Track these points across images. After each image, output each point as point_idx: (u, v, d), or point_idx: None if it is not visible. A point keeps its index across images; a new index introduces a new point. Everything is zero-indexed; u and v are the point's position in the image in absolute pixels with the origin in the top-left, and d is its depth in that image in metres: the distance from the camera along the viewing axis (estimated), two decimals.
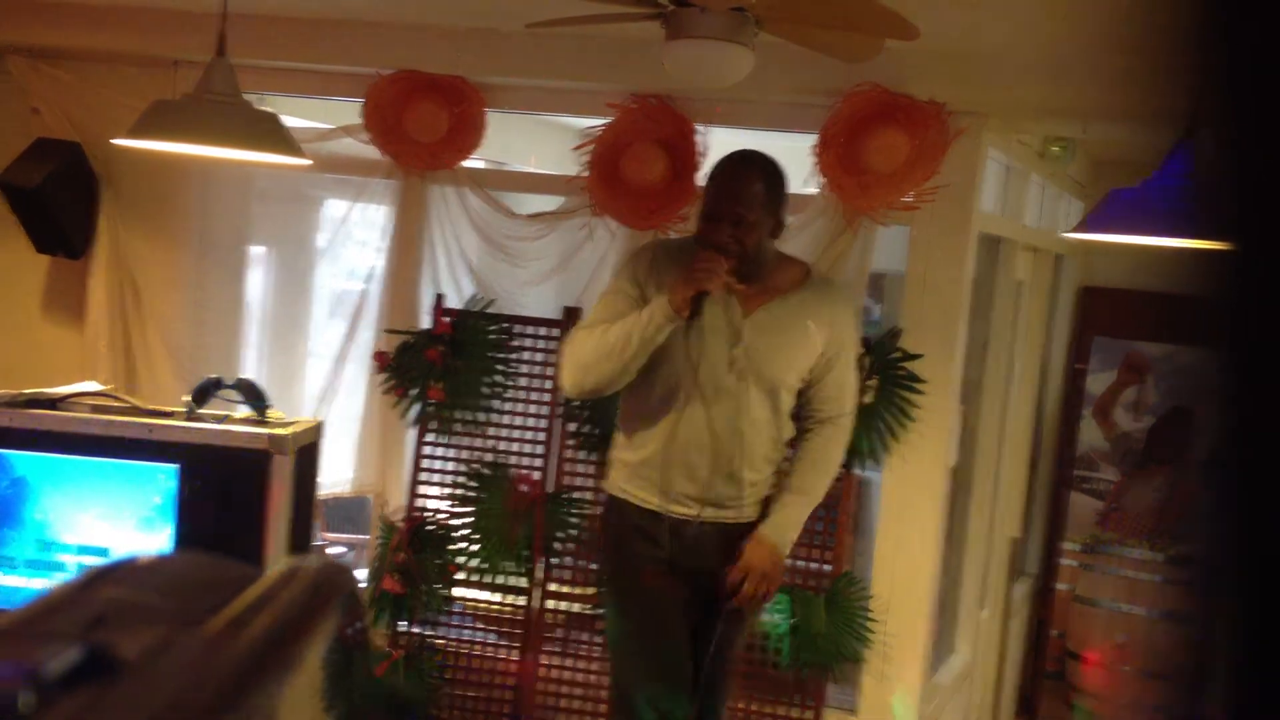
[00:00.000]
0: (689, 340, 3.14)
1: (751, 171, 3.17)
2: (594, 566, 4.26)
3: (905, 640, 4.15)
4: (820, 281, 3.34)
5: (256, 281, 5.16)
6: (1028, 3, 3.38)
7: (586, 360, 3.17)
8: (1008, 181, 4.76)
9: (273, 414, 3.86)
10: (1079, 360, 6.00)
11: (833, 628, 4.09)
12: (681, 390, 3.19)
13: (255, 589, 0.85)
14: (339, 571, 0.98)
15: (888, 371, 4.08)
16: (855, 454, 4.10)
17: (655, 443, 3.24)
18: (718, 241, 3.10)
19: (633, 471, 3.30)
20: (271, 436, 3.63)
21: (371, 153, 4.54)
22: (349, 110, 4.60)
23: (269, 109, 3.73)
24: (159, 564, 0.94)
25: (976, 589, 5.07)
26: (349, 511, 5.42)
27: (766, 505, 3.32)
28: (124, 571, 0.87)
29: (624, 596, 3.36)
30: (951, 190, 4.01)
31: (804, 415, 3.36)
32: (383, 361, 4.50)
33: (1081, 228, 2.91)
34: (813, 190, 4.15)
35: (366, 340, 4.66)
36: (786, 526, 3.29)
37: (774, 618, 4.13)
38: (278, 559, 3.63)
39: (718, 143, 4.39)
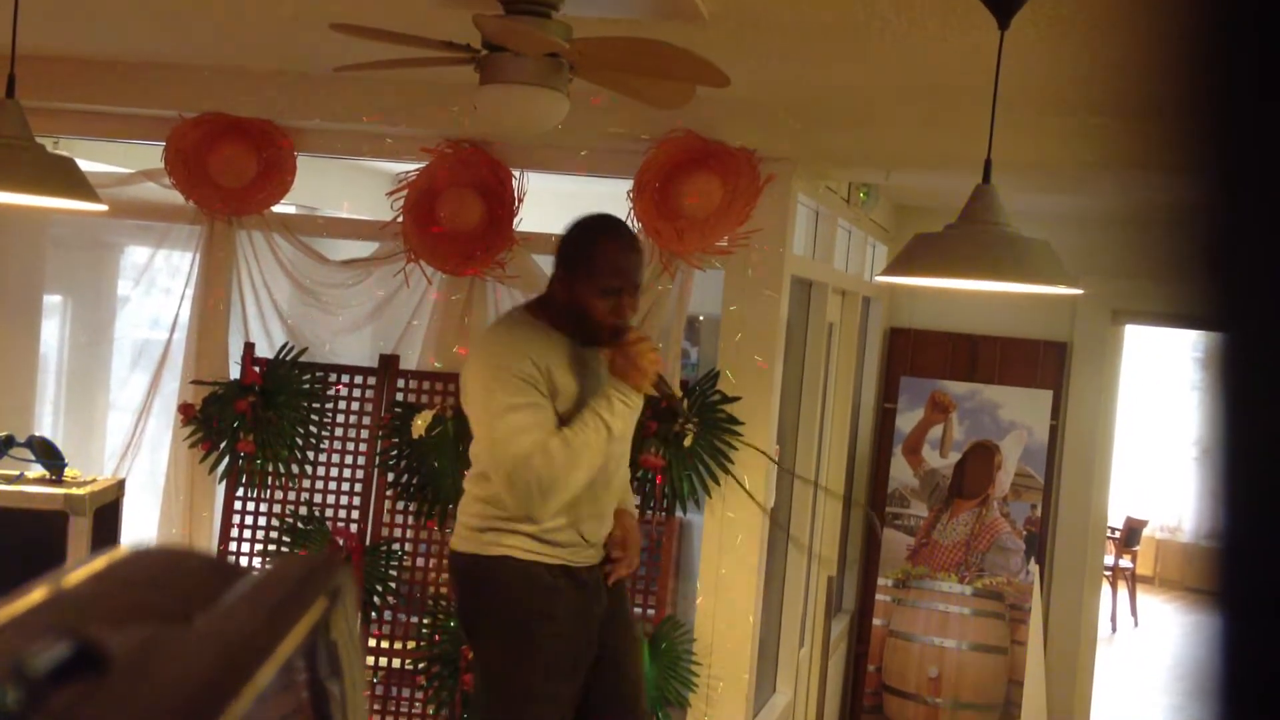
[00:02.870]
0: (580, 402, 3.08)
1: (634, 245, 3.13)
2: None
3: (729, 682, 4.18)
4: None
5: (52, 332, 4.93)
6: (834, 55, 3.48)
7: (564, 482, 2.96)
8: (817, 226, 4.88)
9: (70, 473, 3.68)
10: (888, 399, 6.18)
11: (657, 672, 4.08)
12: None
13: (242, 585, 0.86)
14: (327, 566, 0.97)
15: (706, 414, 4.12)
16: (677, 497, 4.12)
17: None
18: (625, 316, 3.04)
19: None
20: (67, 497, 3.46)
21: (175, 198, 4.40)
22: (151, 154, 4.44)
23: (64, 153, 3.57)
24: (147, 560, 0.93)
25: (796, 627, 5.14)
26: None
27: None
28: (112, 567, 0.87)
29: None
30: (764, 235, 4.09)
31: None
32: (188, 414, 4.34)
33: (891, 271, 2.99)
34: None
35: (171, 392, 4.49)
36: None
37: None
38: None
39: (535, 188, 4.39)
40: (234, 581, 0.86)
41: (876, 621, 6.03)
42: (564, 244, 3.14)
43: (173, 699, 0.67)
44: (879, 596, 6.04)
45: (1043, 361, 6.05)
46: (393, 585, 4.31)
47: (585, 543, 3.17)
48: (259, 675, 0.74)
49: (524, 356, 3.00)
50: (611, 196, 4.28)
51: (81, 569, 0.84)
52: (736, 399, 4.12)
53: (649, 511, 4.16)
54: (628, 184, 4.14)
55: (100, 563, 0.86)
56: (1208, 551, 0.50)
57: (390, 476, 4.33)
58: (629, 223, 4.12)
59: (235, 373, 4.39)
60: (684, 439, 4.09)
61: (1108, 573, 9.05)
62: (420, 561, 4.37)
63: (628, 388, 3.03)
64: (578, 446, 2.95)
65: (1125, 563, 10.28)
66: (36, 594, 0.78)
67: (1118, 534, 9.87)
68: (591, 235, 3.11)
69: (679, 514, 4.26)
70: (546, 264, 3.48)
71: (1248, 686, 0.47)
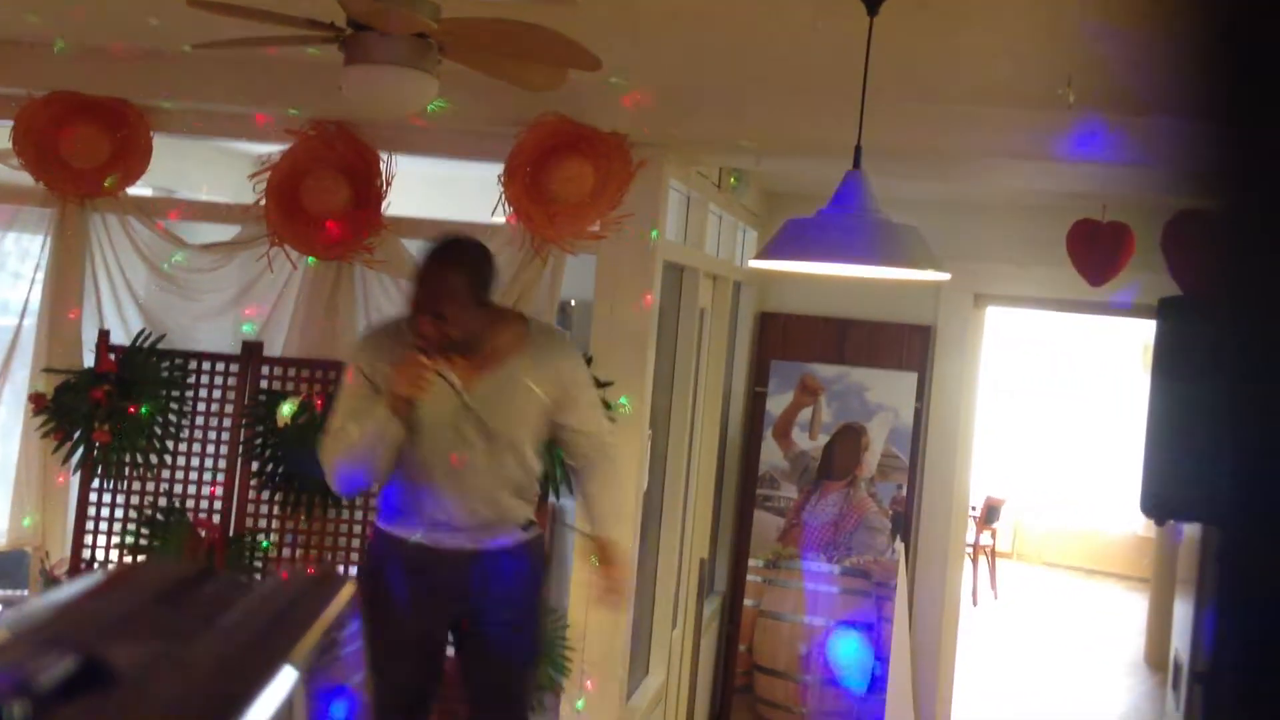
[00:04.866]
0: (425, 422, 3.30)
1: (449, 267, 3.26)
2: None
3: (602, 665, 4.18)
4: (538, 336, 3.43)
5: None
6: (705, 41, 3.48)
7: (338, 466, 3.31)
8: (688, 211, 4.89)
9: None
10: (758, 383, 6.24)
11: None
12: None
13: (247, 599, 0.86)
14: (330, 580, 0.96)
15: None
16: (549, 481, 4.10)
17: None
18: (424, 333, 3.24)
19: None
20: None
21: (24, 179, 4.22)
22: None
23: None
24: (151, 575, 0.93)
25: (669, 610, 5.16)
26: (5, 566, 4.99)
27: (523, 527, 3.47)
28: (117, 583, 0.87)
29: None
30: (636, 220, 4.08)
31: (568, 456, 3.59)
32: (39, 403, 4.18)
33: (763, 256, 3.01)
34: (500, 220, 4.14)
35: (22, 380, 4.32)
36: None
37: None
38: None
39: (403, 171, 4.32)
40: (237, 596, 0.86)
41: (748, 602, 6.10)
42: None
43: (177, 714, 0.68)
44: (750, 577, 6.11)
45: (908, 344, 6.17)
46: (258, 576, 4.20)
47: (435, 523, 3.36)
48: (262, 689, 0.74)
49: (360, 351, 3.43)
50: (483, 181, 4.23)
51: (88, 584, 0.85)
52: (609, 384, 4.11)
53: None
54: (499, 168, 4.09)
55: (106, 578, 0.86)
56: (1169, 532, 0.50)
57: (255, 466, 4.22)
58: (501, 205, 4.08)
59: (90, 360, 4.23)
60: None
61: (969, 549, 9.30)
62: (287, 552, 4.28)
63: (386, 409, 3.23)
64: (342, 446, 3.28)
65: (986, 539, 10.58)
66: (44, 609, 0.78)
67: (978, 512, 10.16)
68: (423, 254, 3.34)
69: (551, 499, 4.24)
70: (416, 249, 3.44)
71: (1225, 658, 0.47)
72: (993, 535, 10.74)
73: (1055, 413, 11.81)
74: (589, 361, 4.14)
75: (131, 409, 4.16)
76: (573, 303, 5.12)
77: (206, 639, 0.77)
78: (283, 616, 0.85)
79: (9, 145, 4.20)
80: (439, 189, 5.00)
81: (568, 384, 3.42)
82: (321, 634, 0.89)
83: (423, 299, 3.25)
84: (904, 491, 6.04)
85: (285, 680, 0.77)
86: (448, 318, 3.22)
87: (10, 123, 4.18)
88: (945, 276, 2.96)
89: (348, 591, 1.01)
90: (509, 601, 3.43)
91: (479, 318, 3.30)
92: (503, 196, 4.08)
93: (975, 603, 10.01)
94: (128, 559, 4.18)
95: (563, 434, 3.49)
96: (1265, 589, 0.47)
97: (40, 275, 4.30)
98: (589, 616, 4.17)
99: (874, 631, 5.95)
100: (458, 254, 3.31)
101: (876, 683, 5.90)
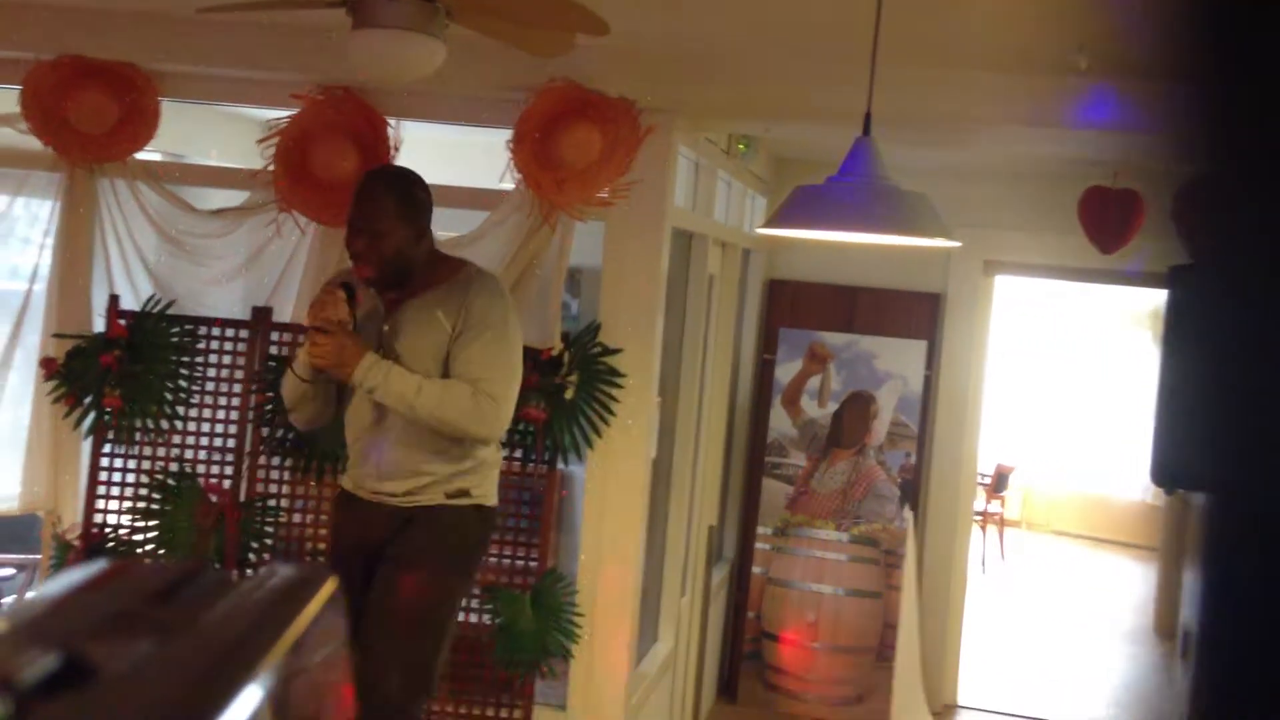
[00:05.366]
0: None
1: (379, 186, 3.37)
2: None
3: (611, 633, 4.19)
4: (466, 276, 3.41)
5: None
6: (714, 5, 3.46)
7: (287, 405, 3.56)
8: (697, 178, 4.88)
9: None
10: (767, 351, 6.24)
11: (540, 625, 4.08)
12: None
13: (231, 596, 0.86)
14: (316, 576, 0.96)
15: (588, 366, 4.10)
16: (559, 449, 4.11)
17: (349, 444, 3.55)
18: (354, 250, 3.33)
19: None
20: None
21: (32, 143, 4.21)
22: (6, 98, 4.24)
23: None
24: (135, 572, 0.93)
25: (678, 577, 5.18)
26: (17, 531, 5.02)
27: (451, 495, 3.41)
28: (100, 579, 0.86)
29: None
30: (644, 186, 4.06)
31: None
32: (51, 368, 4.19)
33: (772, 223, 3.00)
34: (509, 186, 4.12)
35: (33, 345, 4.32)
36: (388, 370, 3.27)
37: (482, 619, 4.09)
38: None
39: (411, 137, 4.30)
40: (221, 593, 0.86)
41: (756, 569, 6.12)
42: None
43: (158, 710, 0.68)
44: (758, 545, 6.12)
45: (918, 312, 6.16)
46: (269, 542, 4.23)
47: (361, 468, 3.44)
48: (243, 686, 0.74)
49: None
50: (491, 146, 4.21)
51: (69, 581, 0.83)
52: (618, 350, 4.11)
53: (530, 464, 4.14)
54: (507, 134, 4.07)
55: (87, 575, 0.86)
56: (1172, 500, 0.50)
57: (265, 431, 4.23)
58: (509, 171, 4.07)
59: (100, 326, 4.24)
60: (565, 391, 4.07)
61: (978, 517, 9.30)
62: (298, 518, 4.29)
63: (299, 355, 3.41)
64: (287, 387, 3.49)
65: (995, 507, 10.59)
66: (25, 607, 0.78)
67: (988, 480, 10.16)
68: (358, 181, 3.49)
69: (560, 466, 4.25)
70: None
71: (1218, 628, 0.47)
72: (1002, 503, 10.75)
73: (1065, 379, 11.78)
74: (596, 329, 4.14)
75: (141, 374, 4.17)
76: (581, 270, 5.11)
77: (190, 636, 0.77)
78: (266, 613, 0.85)
79: (17, 110, 4.19)
80: (447, 154, 4.98)
81: (470, 318, 3.32)
82: (304, 630, 0.87)
83: (354, 217, 3.34)
84: (913, 459, 6.04)
85: (266, 677, 0.78)
86: (377, 233, 3.29)
87: (18, 87, 4.17)
88: (955, 244, 2.95)
89: (330, 586, 1.02)
90: (409, 564, 3.35)
91: (414, 247, 3.36)
92: (511, 162, 4.07)
93: (984, 570, 10.03)
94: (139, 523, 4.20)
95: (450, 366, 3.32)
96: (1256, 559, 0.47)
97: (50, 240, 4.30)
98: (597, 583, 4.19)
99: (881, 600, 5.96)
100: (390, 178, 3.45)
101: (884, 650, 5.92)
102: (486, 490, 3.46)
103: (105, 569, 0.89)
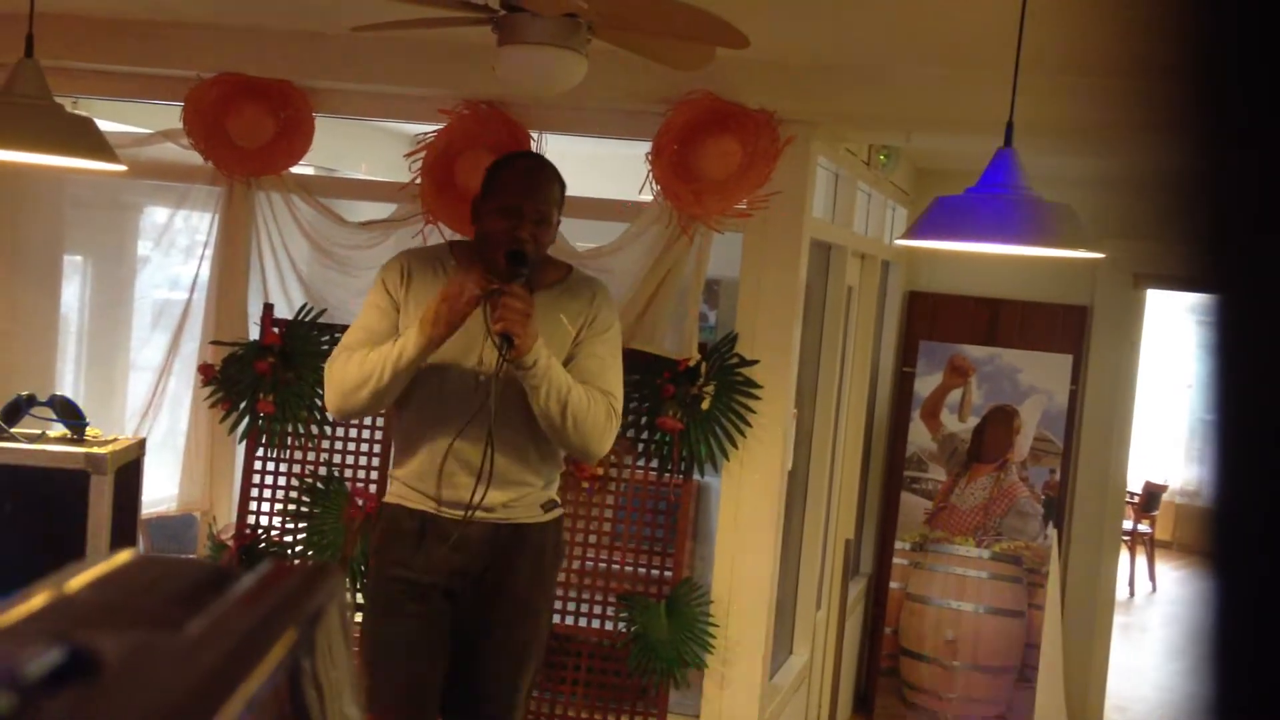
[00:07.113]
0: (446, 349, 3.08)
1: (545, 171, 3.20)
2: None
3: (745, 644, 4.19)
4: (579, 280, 3.29)
5: (73, 292, 4.95)
6: (854, 16, 3.45)
7: (346, 387, 3.09)
8: (836, 189, 4.85)
9: (91, 432, 3.70)
10: (906, 364, 6.16)
11: (674, 634, 4.10)
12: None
13: (236, 590, 0.86)
14: (322, 573, 0.98)
15: (724, 377, 4.11)
16: (695, 460, 4.13)
17: (426, 451, 3.17)
18: (519, 236, 3.03)
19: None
20: (89, 456, 3.48)
21: (193, 158, 4.39)
22: (169, 114, 4.44)
23: (83, 113, 3.57)
24: (140, 566, 0.94)
25: (813, 590, 5.15)
26: (174, 531, 5.22)
27: (545, 506, 3.25)
28: (105, 573, 0.87)
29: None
30: (783, 197, 4.06)
31: None
32: (208, 374, 4.36)
33: (911, 234, 2.97)
34: (647, 197, 4.16)
35: (191, 352, 4.50)
36: (550, 353, 3.05)
37: (618, 626, 4.13)
38: None
39: (554, 150, 4.38)
40: (226, 588, 0.86)
41: (893, 585, 6.04)
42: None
43: (164, 705, 0.67)
44: (896, 560, 6.05)
45: (1063, 326, 6.02)
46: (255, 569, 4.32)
47: (445, 495, 3.14)
48: (250, 682, 0.74)
49: (396, 267, 3.22)
50: (630, 159, 4.26)
51: (75, 575, 0.85)
52: (755, 362, 4.11)
53: (666, 474, 4.17)
54: (646, 146, 4.12)
55: (94, 569, 0.87)
56: (1203, 515, 0.49)
57: None
58: (647, 183, 4.11)
59: (255, 333, 4.40)
60: (701, 402, 4.09)
61: (1126, 537, 9.03)
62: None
63: (419, 335, 2.98)
64: (355, 368, 3.05)
65: (1144, 527, 10.25)
66: (30, 600, 0.78)
67: (1137, 498, 9.85)
68: (495, 166, 3.21)
69: (696, 477, 4.26)
70: (565, 227, 3.47)
71: (1238, 652, 0.46)
72: (1151, 523, 10.40)
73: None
74: (733, 340, 4.15)
75: (293, 380, 4.31)
76: (719, 281, 5.12)
77: (196, 630, 0.77)
78: (274, 608, 0.86)
79: (180, 125, 4.37)
80: (587, 167, 5.05)
81: (595, 326, 3.19)
82: (309, 625, 0.88)
83: (519, 203, 3.05)
84: (1057, 476, 5.91)
85: (269, 669, 0.78)
86: (547, 221, 3.09)
87: (180, 104, 4.35)
88: (1099, 255, 2.88)
89: (339, 582, 1.02)
90: (525, 605, 3.22)
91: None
92: (650, 174, 4.10)
93: (1131, 594, 9.74)
94: (289, 525, 4.35)
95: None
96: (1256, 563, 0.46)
97: (209, 252, 4.48)
98: (732, 594, 4.19)
99: (1023, 619, 5.84)
100: (551, 165, 3.20)
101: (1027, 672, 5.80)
102: (558, 498, 3.38)
103: (111, 564, 0.91)
